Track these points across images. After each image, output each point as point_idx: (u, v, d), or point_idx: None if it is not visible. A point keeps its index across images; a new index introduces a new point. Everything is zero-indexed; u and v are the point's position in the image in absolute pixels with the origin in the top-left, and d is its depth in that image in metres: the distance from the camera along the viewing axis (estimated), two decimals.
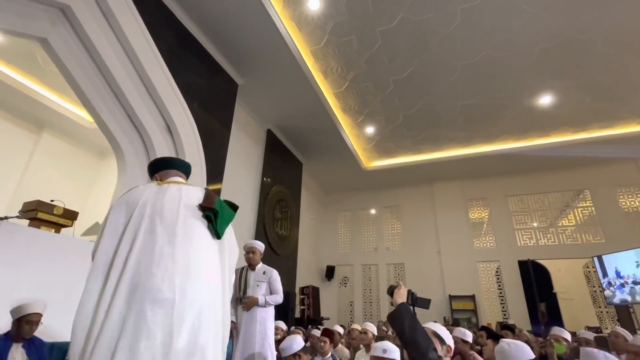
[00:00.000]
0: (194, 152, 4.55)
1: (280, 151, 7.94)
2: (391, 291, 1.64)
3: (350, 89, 6.52)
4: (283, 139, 7.99)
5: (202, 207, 1.36)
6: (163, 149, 4.22)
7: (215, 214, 1.36)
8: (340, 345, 3.96)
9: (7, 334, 2.33)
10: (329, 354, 3.15)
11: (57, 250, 3.00)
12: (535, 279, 7.98)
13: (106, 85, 3.81)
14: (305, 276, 8.76)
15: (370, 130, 7.84)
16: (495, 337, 3.01)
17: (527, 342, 3.75)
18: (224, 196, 5.29)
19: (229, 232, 1.45)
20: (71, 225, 3.26)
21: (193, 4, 4.71)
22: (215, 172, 5.12)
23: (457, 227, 9.42)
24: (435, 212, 9.82)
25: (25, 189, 5.87)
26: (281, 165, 7.88)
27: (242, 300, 3.15)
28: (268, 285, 3.20)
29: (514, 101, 6.71)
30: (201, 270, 1.24)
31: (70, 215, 3.22)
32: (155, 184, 1.43)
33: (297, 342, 2.57)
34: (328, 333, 3.29)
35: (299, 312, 8.10)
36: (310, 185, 10.07)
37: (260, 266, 3.33)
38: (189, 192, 1.40)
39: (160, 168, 1.56)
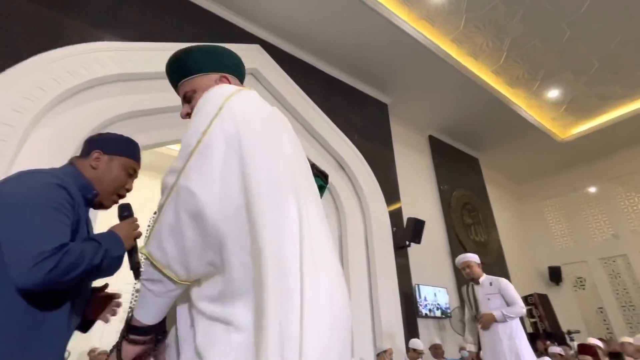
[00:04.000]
0: (367, 181, 4.77)
1: (449, 153, 7.40)
2: None
3: (510, 58, 5.57)
4: (448, 140, 7.45)
5: (316, 170, 0.93)
6: (341, 185, 4.61)
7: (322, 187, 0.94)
8: None
9: None
10: None
11: None
12: None
13: None
14: (523, 283, 7.48)
15: (553, 93, 6.38)
16: None
17: None
18: (406, 214, 5.25)
19: None
20: None
21: (330, 52, 5.17)
22: (391, 194, 5.18)
23: None
24: None
25: None
26: (454, 168, 7.30)
27: (477, 318, 2.94)
28: (501, 296, 2.91)
29: None
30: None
31: None
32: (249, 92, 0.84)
33: None
34: (586, 349, 2.61)
35: (530, 325, 6.88)
36: (495, 180, 8.86)
37: (485, 278, 3.12)
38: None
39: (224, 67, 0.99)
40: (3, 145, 2.49)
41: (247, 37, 4.52)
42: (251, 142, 0.70)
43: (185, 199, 0.66)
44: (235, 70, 1.00)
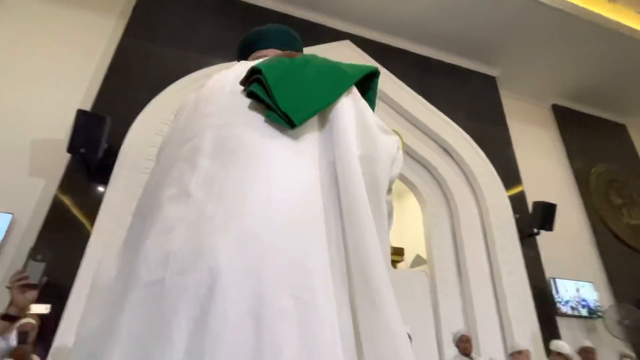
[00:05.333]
0: (479, 164, 4.34)
1: (582, 123, 6.17)
2: None
3: None
4: (579, 107, 6.22)
5: (243, 83, 0.71)
6: (448, 172, 4.30)
7: (261, 81, 0.66)
8: None
9: None
10: None
11: (399, 285, 3.52)
12: None
13: None
14: None
15: None
16: None
17: None
18: (531, 198, 4.58)
19: (343, 111, 0.68)
20: (402, 260, 3.78)
21: (423, 31, 4.86)
22: (510, 176, 4.59)
23: None
24: None
25: None
26: (591, 139, 6.05)
27: None
28: None
29: None
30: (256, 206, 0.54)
31: (399, 252, 3.75)
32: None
33: None
34: None
35: None
36: None
37: None
38: (243, 70, 0.73)
39: (241, 57, 0.97)
40: (151, 164, 3.06)
41: (336, 35, 4.57)
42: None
43: None
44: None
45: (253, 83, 0.68)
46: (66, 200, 2.93)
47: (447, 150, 4.37)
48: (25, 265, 1.12)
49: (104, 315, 0.54)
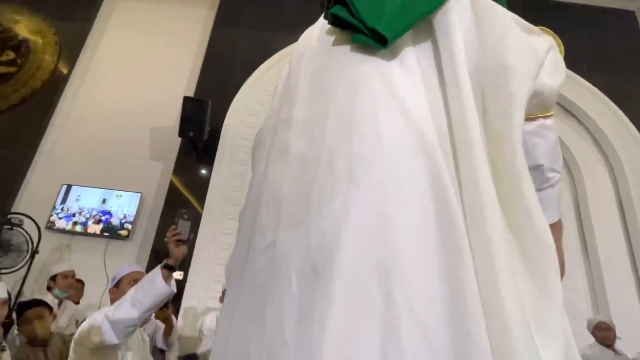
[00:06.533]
0: (612, 122, 3.60)
1: None
2: None
3: None
4: None
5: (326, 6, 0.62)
6: (571, 136, 3.65)
7: (343, 1, 0.56)
8: None
9: None
10: None
11: None
12: None
13: None
14: None
15: None
16: None
17: None
18: None
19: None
20: None
21: None
22: None
23: None
24: None
25: None
26: None
27: None
28: None
29: None
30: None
31: None
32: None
33: None
34: None
35: None
36: None
37: None
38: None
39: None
40: (249, 143, 3.21)
41: None
42: None
43: None
44: None
45: (334, 6, 0.58)
46: (180, 179, 3.27)
47: (569, 110, 3.69)
48: (177, 224, 1.28)
49: (232, 299, 0.56)
